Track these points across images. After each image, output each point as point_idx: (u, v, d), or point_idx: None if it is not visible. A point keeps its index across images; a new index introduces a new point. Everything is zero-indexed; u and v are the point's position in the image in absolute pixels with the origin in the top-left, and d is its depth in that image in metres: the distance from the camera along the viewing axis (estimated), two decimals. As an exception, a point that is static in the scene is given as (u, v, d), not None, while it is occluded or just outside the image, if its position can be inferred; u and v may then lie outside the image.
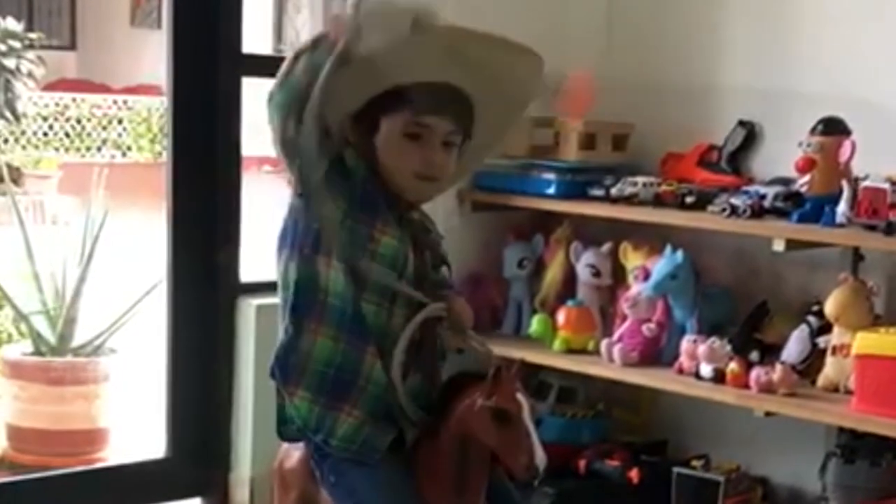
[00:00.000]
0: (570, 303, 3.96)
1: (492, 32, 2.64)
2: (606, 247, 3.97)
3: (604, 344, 3.84)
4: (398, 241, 2.60)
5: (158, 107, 12.72)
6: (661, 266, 3.76)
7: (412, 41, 2.53)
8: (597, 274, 3.99)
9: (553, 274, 4.04)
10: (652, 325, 3.80)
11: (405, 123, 2.59)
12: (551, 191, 3.94)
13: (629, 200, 3.79)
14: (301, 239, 2.57)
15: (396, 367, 2.57)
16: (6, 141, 12.23)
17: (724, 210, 3.61)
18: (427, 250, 2.67)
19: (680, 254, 3.74)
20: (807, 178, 3.50)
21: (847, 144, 3.46)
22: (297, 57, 2.48)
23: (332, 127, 2.56)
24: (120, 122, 13.41)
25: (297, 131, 2.47)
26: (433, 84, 2.59)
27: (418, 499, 2.57)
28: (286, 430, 2.67)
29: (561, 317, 3.94)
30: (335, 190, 2.54)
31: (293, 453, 2.74)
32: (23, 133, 12.56)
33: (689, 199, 3.73)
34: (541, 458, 2.50)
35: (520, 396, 2.53)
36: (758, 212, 3.57)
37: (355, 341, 2.56)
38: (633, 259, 3.89)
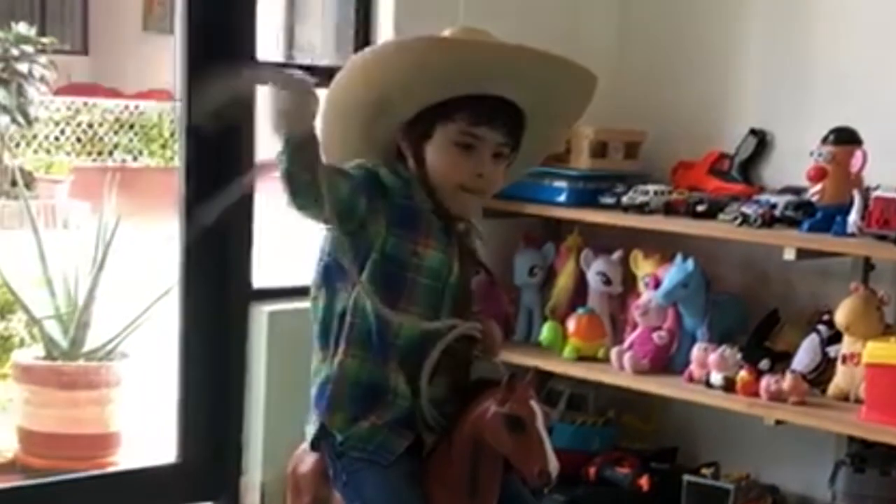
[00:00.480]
0: (580, 310, 3.96)
1: (552, 52, 2.68)
2: (617, 255, 3.98)
3: (614, 351, 3.85)
4: (443, 252, 2.63)
5: (169, 112, 12.73)
6: (671, 274, 3.77)
7: (471, 56, 2.60)
8: (607, 282, 4.00)
9: (564, 281, 4.05)
10: (662, 333, 3.81)
11: (458, 132, 2.62)
12: (562, 198, 3.95)
13: (640, 208, 3.80)
14: (348, 272, 2.60)
15: (425, 377, 2.59)
16: (18, 145, 12.24)
17: (735, 219, 3.62)
18: (470, 259, 2.71)
19: (691, 262, 3.75)
20: (818, 187, 3.50)
21: (858, 154, 3.47)
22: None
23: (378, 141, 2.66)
24: (131, 126, 13.42)
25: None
26: (489, 96, 2.62)
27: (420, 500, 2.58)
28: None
29: (571, 324, 3.94)
30: (375, 211, 2.57)
31: (306, 458, 2.75)
32: (34, 137, 12.56)
33: (699, 208, 3.74)
34: (554, 465, 2.51)
35: (533, 403, 2.54)
36: (769, 221, 3.57)
37: (379, 359, 2.59)
38: (643, 267, 3.89)
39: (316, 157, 2.45)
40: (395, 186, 2.61)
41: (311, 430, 2.69)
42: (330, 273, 2.64)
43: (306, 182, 2.43)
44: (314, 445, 2.70)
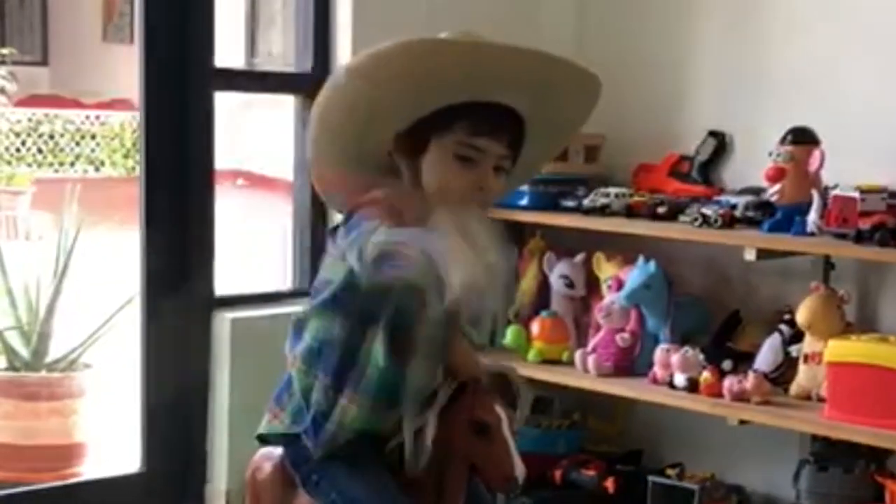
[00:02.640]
0: (543, 313, 3.97)
1: (551, 52, 2.53)
2: (579, 257, 3.99)
3: (578, 354, 3.85)
4: None
5: (131, 122, 12.69)
6: (633, 276, 3.78)
7: (466, 61, 2.45)
8: (570, 284, 4.01)
9: (527, 285, 4.05)
10: (625, 335, 3.82)
11: (457, 145, 2.46)
12: (524, 202, 3.95)
13: (602, 211, 3.81)
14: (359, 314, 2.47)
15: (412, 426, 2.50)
16: (-22, 157, 12.20)
17: (695, 220, 3.63)
18: None
19: (652, 264, 3.76)
20: (777, 187, 3.52)
21: (816, 154, 3.49)
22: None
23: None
24: (93, 137, 13.37)
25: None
26: (488, 104, 2.47)
27: (401, 493, 2.55)
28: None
29: (535, 327, 3.95)
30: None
31: (265, 465, 2.73)
32: (-5, 149, 12.52)
33: (660, 210, 3.76)
34: (521, 470, 2.51)
35: (499, 409, 2.54)
36: (729, 221, 3.59)
37: (387, 412, 2.49)
38: (606, 269, 3.91)
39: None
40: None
41: (274, 428, 2.66)
42: (339, 304, 2.47)
43: None
44: (267, 441, 2.68)
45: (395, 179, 2.52)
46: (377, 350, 2.43)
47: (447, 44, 2.51)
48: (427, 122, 2.47)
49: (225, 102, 3.97)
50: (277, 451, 2.70)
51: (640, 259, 3.79)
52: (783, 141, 3.54)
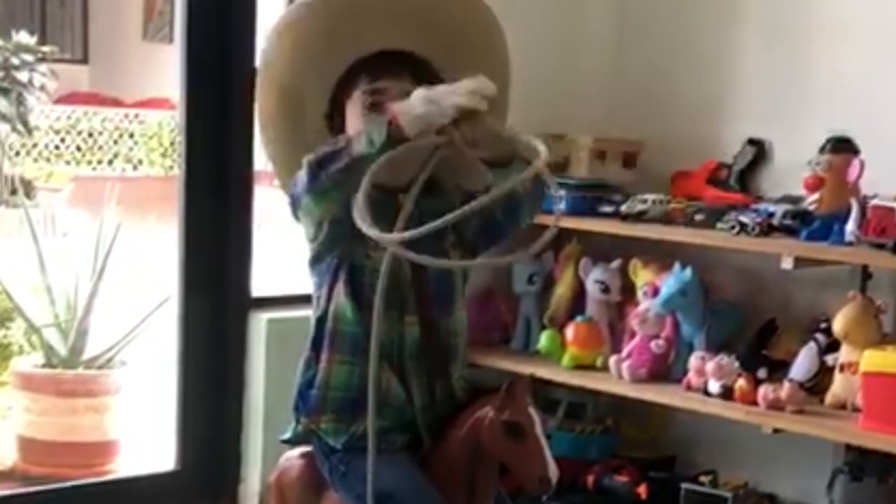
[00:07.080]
0: (579, 319, 3.97)
1: None
2: (616, 263, 3.99)
3: (612, 360, 3.85)
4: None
5: (169, 121, 12.74)
6: (670, 283, 3.77)
7: (343, 17, 2.59)
8: (606, 290, 4.00)
9: (562, 290, 4.06)
10: (660, 342, 3.82)
11: (363, 96, 2.60)
12: (561, 207, 3.93)
13: (639, 217, 3.81)
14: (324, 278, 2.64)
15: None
16: (18, 154, 12.23)
17: (732, 227, 3.63)
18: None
19: (689, 271, 3.76)
20: (815, 196, 3.52)
21: (856, 163, 3.48)
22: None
23: None
24: (131, 135, 13.43)
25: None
26: (375, 54, 2.61)
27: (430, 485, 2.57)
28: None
29: (570, 332, 3.95)
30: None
31: (292, 467, 2.74)
32: (35, 146, 12.56)
33: (698, 217, 3.75)
34: (554, 471, 2.52)
35: (532, 410, 2.55)
36: (766, 230, 3.58)
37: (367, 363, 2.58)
38: (642, 275, 3.90)
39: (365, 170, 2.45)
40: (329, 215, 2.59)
41: (289, 430, 2.72)
42: (314, 278, 2.67)
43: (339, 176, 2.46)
44: (295, 442, 2.71)
45: None
46: (343, 304, 2.57)
47: (300, 21, 2.64)
48: (336, 92, 2.63)
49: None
50: (305, 451, 2.72)
51: (677, 266, 3.79)
52: (822, 150, 3.53)
